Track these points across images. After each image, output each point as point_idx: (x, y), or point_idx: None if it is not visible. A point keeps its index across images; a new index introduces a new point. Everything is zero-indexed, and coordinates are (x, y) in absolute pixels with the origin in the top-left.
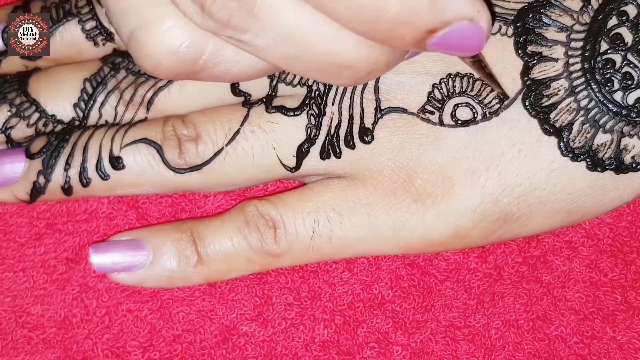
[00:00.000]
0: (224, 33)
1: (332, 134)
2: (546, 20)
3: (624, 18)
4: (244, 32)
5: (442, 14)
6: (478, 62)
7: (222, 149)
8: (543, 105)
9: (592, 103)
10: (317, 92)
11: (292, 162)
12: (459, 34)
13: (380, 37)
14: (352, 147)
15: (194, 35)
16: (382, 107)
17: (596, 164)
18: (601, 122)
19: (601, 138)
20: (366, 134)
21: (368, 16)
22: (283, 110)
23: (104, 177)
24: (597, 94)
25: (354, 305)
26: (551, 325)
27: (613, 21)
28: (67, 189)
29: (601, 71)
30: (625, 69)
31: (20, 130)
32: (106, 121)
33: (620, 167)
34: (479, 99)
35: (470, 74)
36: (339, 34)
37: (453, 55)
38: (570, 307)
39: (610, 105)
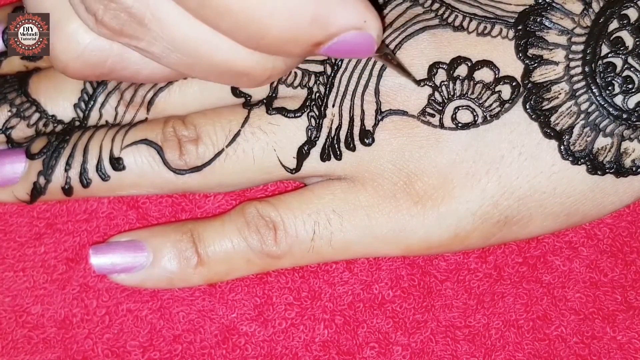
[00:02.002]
0: (120, 40)
1: (332, 135)
2: (547, 23)
3: (624, 21)
4: (139, 41)
5: (326, 29)
6: (384, 55)
7: (222, 150)
8: (544, 108)
9: (593, 107)
10: (317, 94)
11: (292, 164)
12: (347, 43)
13: (268, 50)
14: (353, 149)
15: (98, 38)
16: (383, 110)
17: (596, 167)
18: (601, 125)
19: (601, 142)
20: (366, 136)
21: (251, 34)
22: (283, 111)
23: (105, 177)
24: (597, 97)
25: (354, 305)
26: (551, 325)
27: (614, 25)
28: (67, 190)
29: (602, 75)
30: (626, 72)
31: (21, 131)
32: (106, 122)
33: (621, 171)
34: (480, 102)
35: (472, 77)
36: (231, 45)
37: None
38: (571, 307)
39: (610, 109)
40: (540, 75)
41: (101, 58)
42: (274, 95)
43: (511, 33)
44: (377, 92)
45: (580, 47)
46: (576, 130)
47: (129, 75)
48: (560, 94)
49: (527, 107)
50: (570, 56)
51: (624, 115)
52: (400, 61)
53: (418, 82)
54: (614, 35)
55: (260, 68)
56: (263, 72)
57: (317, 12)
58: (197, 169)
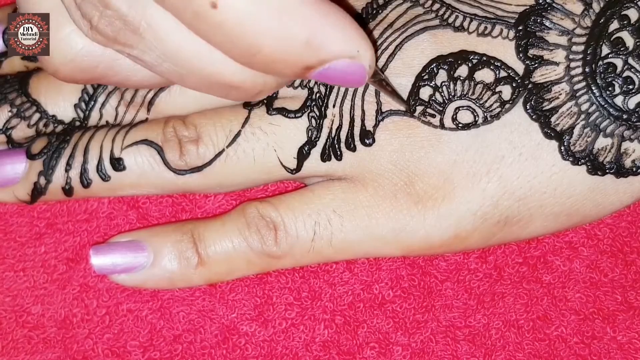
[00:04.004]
0: (114, 47)
1: (333, 136)
2: (547, 23)
3: (625, 22)
4: (132, 48)
5: (319, 54)
6: (378, 81)
7: (222, 150)
8: (544, 109)
9: (593, 107)
10: (318, 94)
11: (292, 164)
12: (338, 71)
13: (259, 68)
14: (353, 149)
15: (91, 43)
16: (383, 110)
17: (596, 167)
18: (602, 126)
19: (602, 142)
20: (367, 137)
21: (244, 50)
22: (284, 112)
23: (105, 178)
24: (598, 98)
25: (354, 305)
26: (551, 325)
27: (614, 25)
28: (67, 190)
29: (602, 75)
30: (626, 73)
31: (21, 131)
32: (107, 122)
33: (621, 171)
34: (480, 102)
35: (472, 77)
36: (223, 58)
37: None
38: (571, 307)
39: (611, 110)
40: (540, 75)
41: (93, 63)
42: (274, 95)
43: (512, 33)
44: (377, 92)
45: (581, 48)
46: (576, 131)
47: (119, 81)
48: (560, 94)
49: (528, 107)
50: (571, 57)
51: (624, 116)
52: (395, 88)
53: (410, 109)
54: (614, 36)
55: (251, 83)
56: (254, 88)
57: (311, 36)
58: (197, 169)
